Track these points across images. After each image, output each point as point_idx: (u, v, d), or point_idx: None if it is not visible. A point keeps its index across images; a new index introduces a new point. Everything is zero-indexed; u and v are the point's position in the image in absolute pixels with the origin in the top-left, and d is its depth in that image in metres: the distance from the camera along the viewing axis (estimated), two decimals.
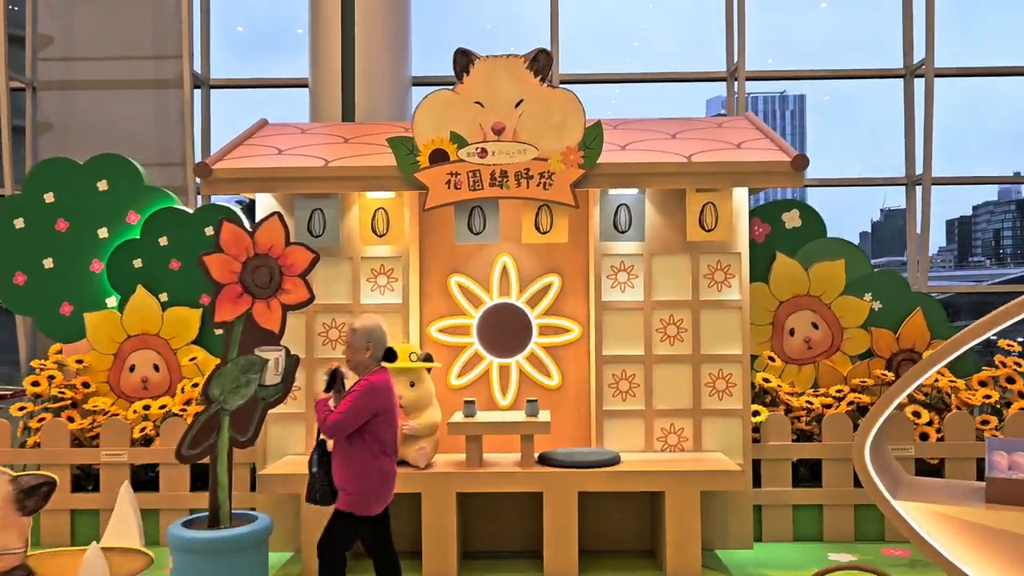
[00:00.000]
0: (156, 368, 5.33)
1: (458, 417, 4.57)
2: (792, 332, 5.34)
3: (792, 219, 5.41)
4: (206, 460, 4.11)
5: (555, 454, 4.48)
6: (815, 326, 5.34)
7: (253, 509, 4.73)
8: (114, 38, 8.42)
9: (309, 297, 4.27)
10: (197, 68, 8.14)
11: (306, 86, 6.73)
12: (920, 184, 7.62)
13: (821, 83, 8.46)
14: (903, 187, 7.85)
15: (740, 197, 4.77)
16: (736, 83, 7.84)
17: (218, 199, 7.42)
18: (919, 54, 7.48)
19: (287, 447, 4.83)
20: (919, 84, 7.63)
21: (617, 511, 4.78)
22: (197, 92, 8.20)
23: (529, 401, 4.57)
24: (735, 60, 7.73)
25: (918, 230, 7.48)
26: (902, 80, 7.82)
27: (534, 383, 5.02)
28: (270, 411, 4.37)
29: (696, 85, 8.71)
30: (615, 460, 4.43)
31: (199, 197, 7.20)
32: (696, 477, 4.31)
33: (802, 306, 5.34)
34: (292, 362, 4.26)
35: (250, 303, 4.20)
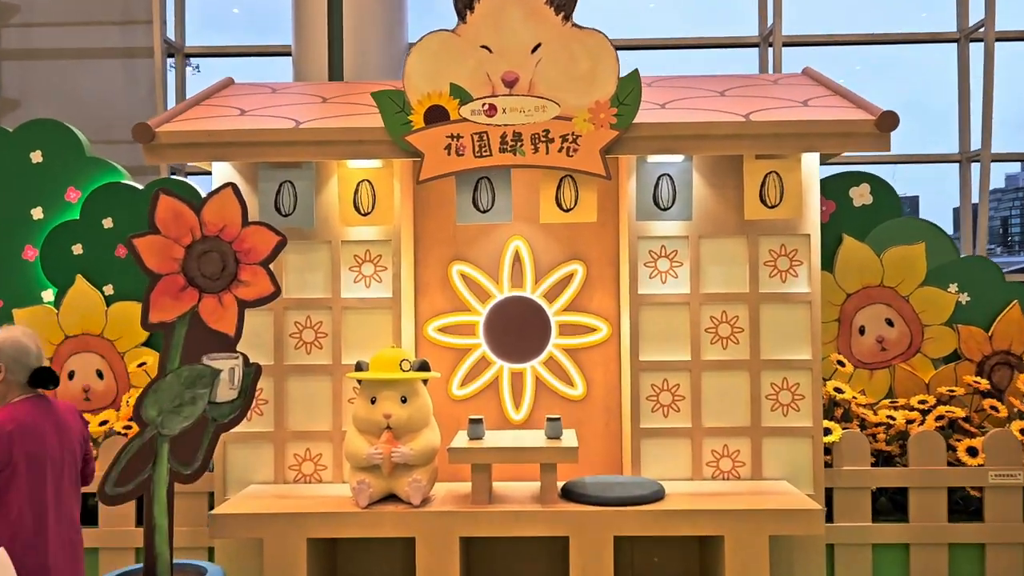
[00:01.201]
0: (100, 375, 4.40)
1: (461, 440, 3.62)
2: (862, 331, 4.38)
3: (861, 195, 4.44)
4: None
5: (583, 486, 3.53)
6: (890, 323, 4.38)
7: (211, 550, 3.80)
8: (79, 2, 7.50)
9: (273, 291, 3.33)
10: (171, 35, 7.20)
11: (290, 53, 5.78)
12: (977, 161, 6.68)
13: (850, 51, 7.48)
14: (956, 164, 6.94)
15: (810, 166, 3.81)
16: (771, 49, 6.88)
17: (201, 180, 6.45)
18: (976, 15, 6.58)
19: (252, 474, 3.89)
20: (976, 49, 6.75)
21: (658, 553, 3.83)
22: (171, 62, 7.29)
23: (551, 420, 3.63)
24: (770, 23, 6.77)
25: (972, 213, 6.59)
26: (955, 44, 6.93)
27: (554, 394, 4.08)
28: (225, 434, 3.43)
29: (718, 57, 7.74)
30: (659, 494, 3.48)
31: (174, 177, 6.24)
32: (764, 518, 3.36)
33: (874, 299, 4.38)
34: (252, 373, 3.33)
35: (196, 298, 3.26)
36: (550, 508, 3.42)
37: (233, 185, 3.30)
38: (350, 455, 3.48)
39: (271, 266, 3.33)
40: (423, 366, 3.55)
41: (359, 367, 3.55)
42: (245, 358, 3.30)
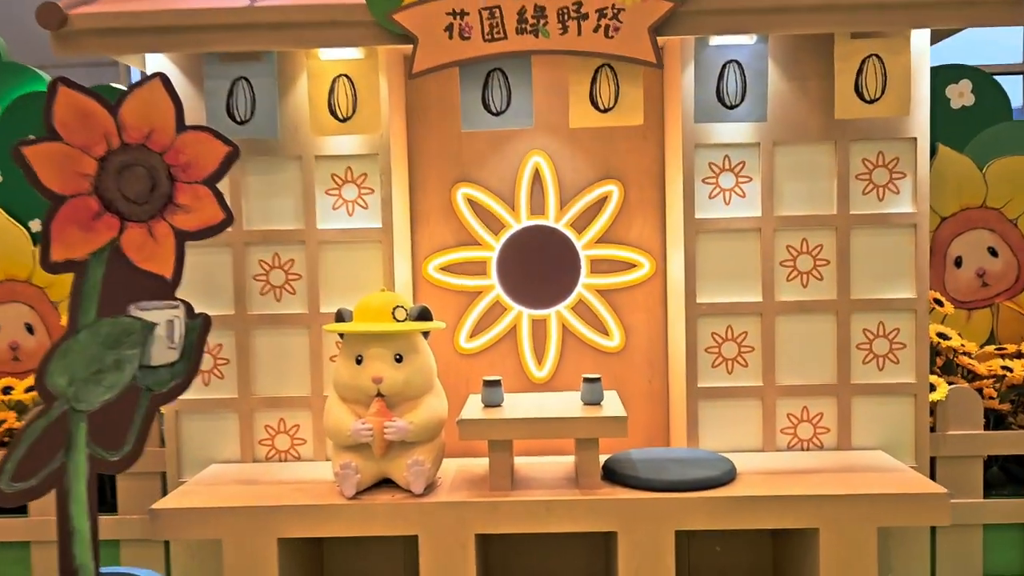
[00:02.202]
0: (29, 329, 3.55)
1: (474, 408, 2.80)
2: (959, 262, 3.54)
3: (961, 94, 3.55)
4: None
5: (632, 464, 2.72)
6: (993, 252, 3.54)
7: (168, 545, 3.02)
8: None
9: (223, 218, 2.49)
10: None
11: None
12: None
13: None
14: None
15: (920, 47, 2.91)
16: None
17: None
18: None
19: (213, 451, 3.08)
20: None
21: (720, 542, 3.04)
22: None
23: (589, 380, 2.80)
24: None
25: None
26: None
27: (584, 346, 3.25)
28: (178, 402, 2.62)
29: None
30: (729, 474, 2.66)
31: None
32: (873, 505, 2.56)
33: (975, 223, 3.53)
34: (198, 327, 2.49)
35: (117, 229, 2.41)
36: (591, 495, 2.61)
37: (162, 75, 2.41)
38: (332, 431, 2.66)
39: (219, 186, 2.46)
40: (423, 314, 2.70)
41: (340, 317, 2.70)
42: (188, 307, 2.46)
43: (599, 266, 3.30)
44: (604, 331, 3.32)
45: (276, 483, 2.83)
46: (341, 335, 2.71)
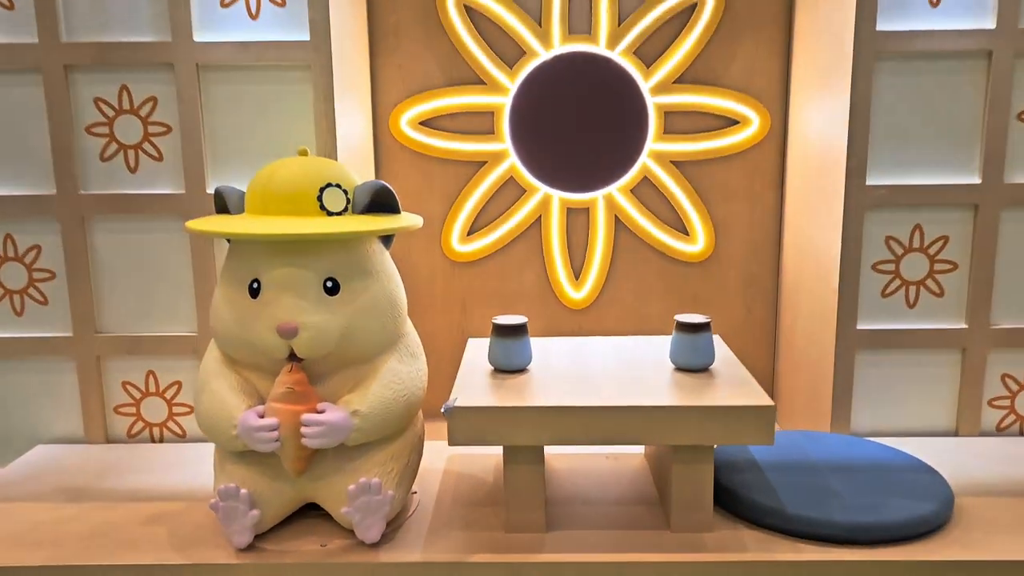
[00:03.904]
0: None
1: (475, 379, 1.49)
2: None
3: None
4: None
5: (760, 479, 1.45)
6: None
7: None
8: None
9: None
10: None
11: None
12: None
13: None
14: None
15: None
16: None
17: None
18: None
19: (40, 424, 1.81)
20: None
21: None
22: None
23: (688, 327, 1.47)
24: None
25: None
26: None
27: (647, 249, 1.96)
28: None
29: None
30: (947, 507, 1.38)
31: None
32: None
33: None
34: None
35: None
36: (706, 556, 1.34)
37: None
38: (207, 425, 1.36)
39: None
40: (380, 200, 1.36)
41: (220, 202, 1.37)
42: None
43: (677, 122, 1.96)
44: (681, 227, 2.01)
45: (129, 494, 1.57)
46: (228, 239, 1.38)
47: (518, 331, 1.47)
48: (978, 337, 1.71)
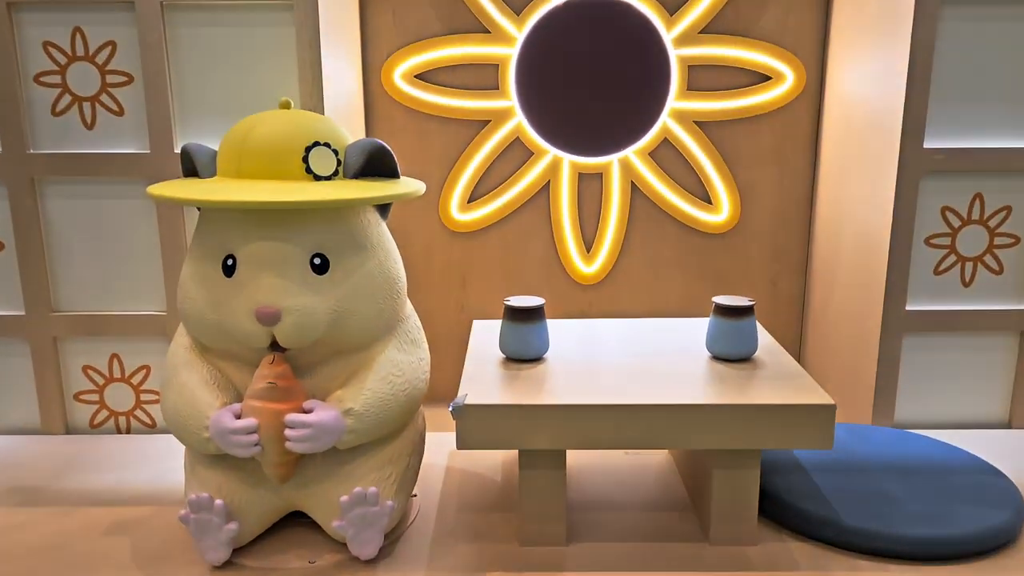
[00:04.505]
0: None
1: (486, 372, 1.29)
2: None
3: None
4: None
5: (806, 483, 1.26)
6: None
7: None
8: None
9: None
10: None
11: None
12: None
13: None
14: None
15: None
16: None
17: None
18: None
19: None
20: None
21: None
22: None
23: (728, 310, 1.28)
24: None
25: None
26: None
27: (666, 218, 1.77)
28: None
29: None
30: (1020, 515, 1.20)
31: None
32: None
33: None
34: None
35: None
36: (750, 575, 1.16)
37: None
38: (175, 423, 1.16)
39: None
40: (377, 161, 1.14)
41: (188, 162, 1.15)
42: None
43: (702, 77, 1.75)
44: (703, 195, 1.81)
45: (90, 496, 1.37)
46: (199, 207, 1.17)
47: (533, 315, 1.27)
48: None
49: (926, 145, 1.47)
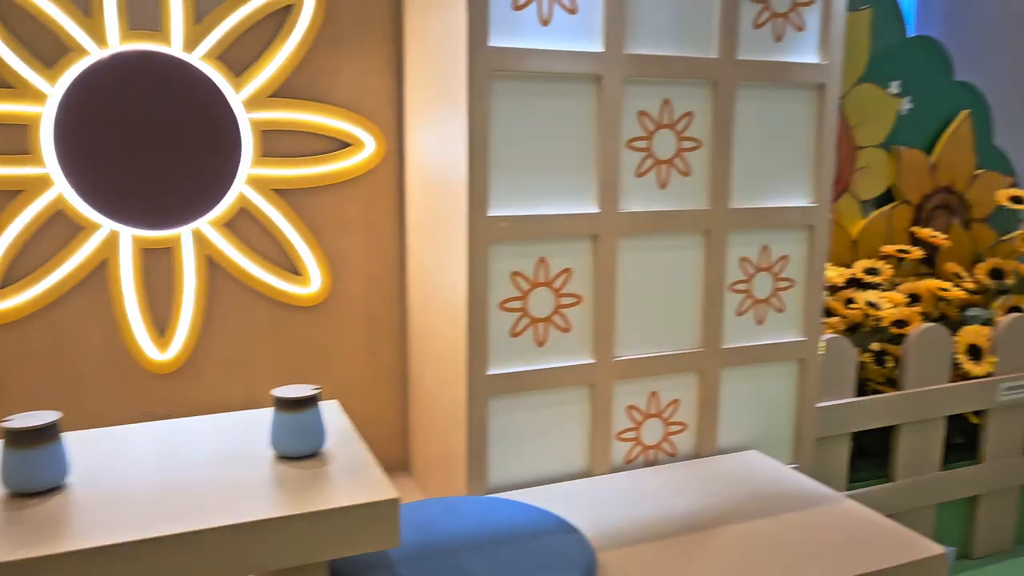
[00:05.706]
0: None
1: None
2: None
3: None
4: None
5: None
6: None
7: None
8: None
9: None
10: None
11: None
12: None
13: None
14: None
15: None
16: None
17: None
18: None
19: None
20: None
21: None
22: None
23: (289, 403, 1.14)
24: None
25: None
26: None
27: (251, 293, 1.60)
28: None
29: None
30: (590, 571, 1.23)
31: None
32: None
33: None
34: None
35: None
36: None
37: None
38: None
39: None
40: None
41: None
42: None
43: (279, 143, 1.63)
44: (290, 267, 1.68)
45: None
46: None
47: (43, 435, 1.02)
48: (603, 371, 1.61)
49: (491, 213, 1.47)
